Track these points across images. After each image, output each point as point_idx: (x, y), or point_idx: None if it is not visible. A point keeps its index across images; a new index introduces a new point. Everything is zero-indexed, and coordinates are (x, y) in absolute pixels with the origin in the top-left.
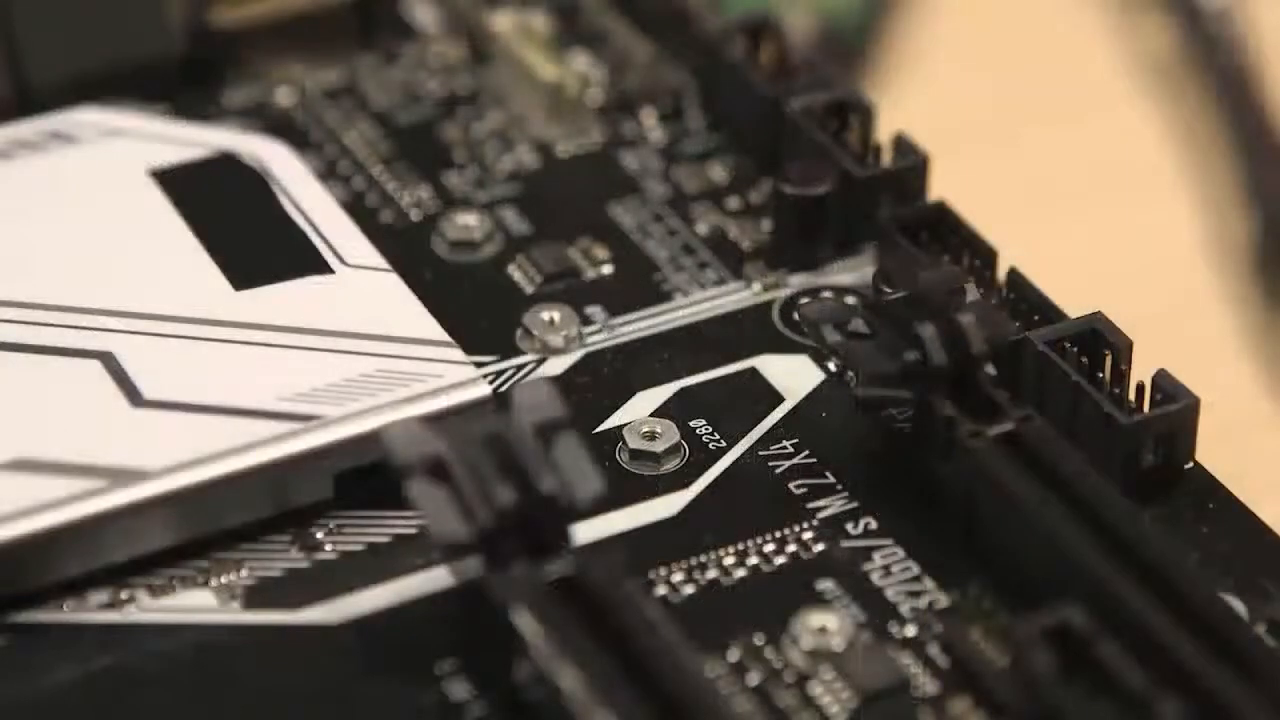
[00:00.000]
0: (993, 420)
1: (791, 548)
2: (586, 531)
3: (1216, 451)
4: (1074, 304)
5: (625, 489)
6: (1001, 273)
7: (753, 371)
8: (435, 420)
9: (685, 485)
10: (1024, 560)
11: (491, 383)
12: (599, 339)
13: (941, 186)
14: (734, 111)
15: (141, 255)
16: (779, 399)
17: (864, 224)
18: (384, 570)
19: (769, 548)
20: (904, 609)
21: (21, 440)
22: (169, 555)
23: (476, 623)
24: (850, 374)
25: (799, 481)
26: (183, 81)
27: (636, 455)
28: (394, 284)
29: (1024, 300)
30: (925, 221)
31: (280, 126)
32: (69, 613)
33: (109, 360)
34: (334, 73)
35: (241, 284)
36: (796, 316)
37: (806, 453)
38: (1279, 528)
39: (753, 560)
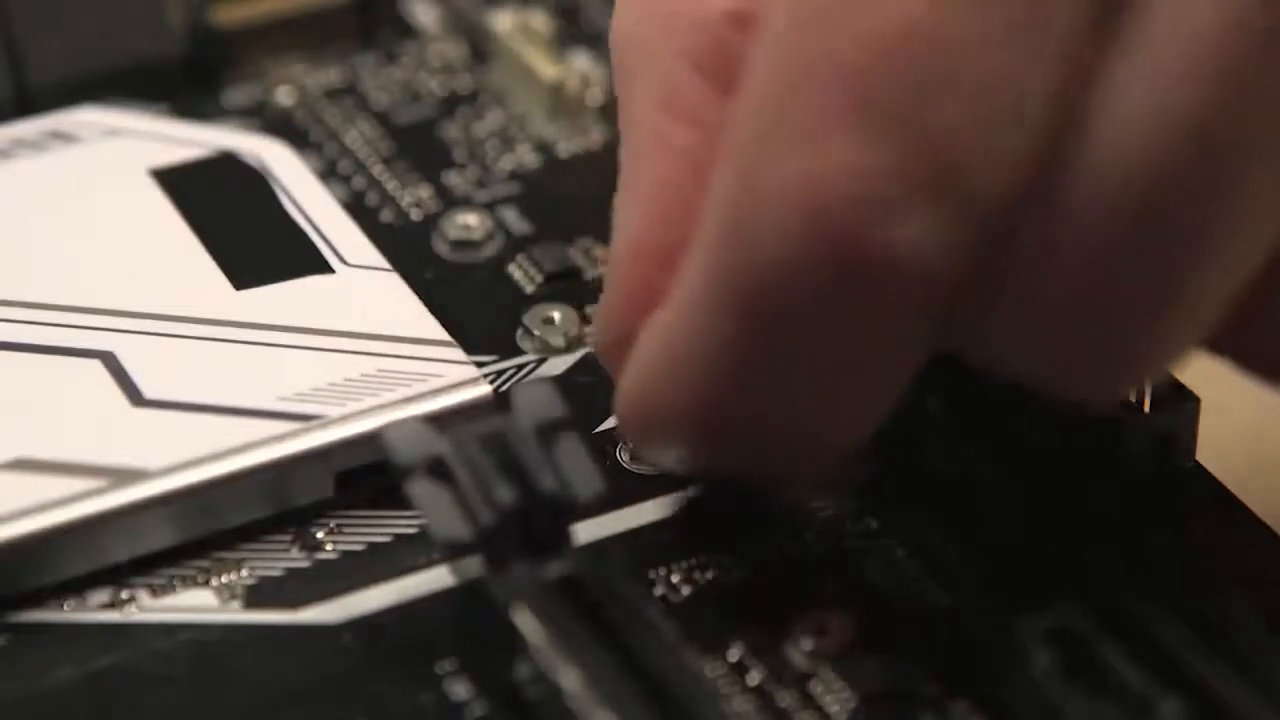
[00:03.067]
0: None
1: (791, 548)
2: (586, 531)
3: (1217, 451)
4: None
5: (625, 489)
6: None
7: None
8: (435, 420)
9: (685, 485)
10: None
11: (492, 383)
12: None
13: None
14: None
15: (142, 255)
16: None
17: None
18: (384, 570)
19: (769, 547)
20: (904, 609)
21: (22, 440)
22: (169, 555)
23: (476, 623)
24: None
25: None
26: (183, 81)
27: (637, 455)
28: (394, 284)
29: None
30: None
31: (280, 126)
32: (69, 613)
33: (109, 360)
34: (334, 73)
35: (242, 284)
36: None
37: None
38: (1279, 528)
39: (753, 560)
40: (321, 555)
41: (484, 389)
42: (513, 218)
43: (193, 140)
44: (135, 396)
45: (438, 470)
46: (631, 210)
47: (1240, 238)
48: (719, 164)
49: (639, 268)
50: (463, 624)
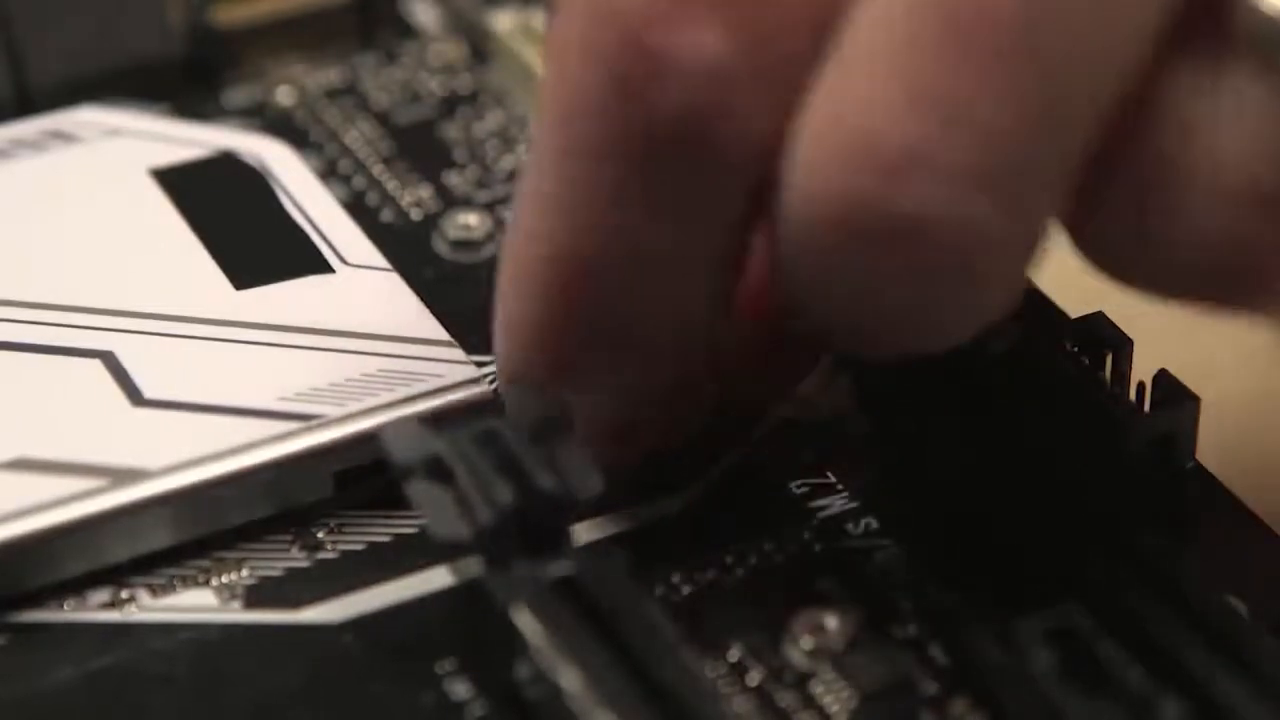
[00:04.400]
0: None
1: (791, 548)
2: (586, 531)
3: (1216, 451)
4: (1074, 304)
5: (625, 489)
6: None
7: None
8: (435, 420)
9: (685, 485)
10: None
11: (492, 382)
12: None
13: None
14: None
15: (142, 255)
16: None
17: None
18: (384, 570)
19: (769, 547)
20: (904, 609)
21: (22, 440)
22: (169, 555)
23: (476, 623)
24: None
25: (799, 481)
26: (183, 81)
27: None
28: (394, 283)
29: (1024, 300)
30: None
31: (280, 126)
32: (69, 612)
33: (110, 360)
34: (334, 73)
35: (242, 284)
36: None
37: (806, 452)
38: (1279, 528)
39: (753, 560)
40: (321, 555)
41: (484, 389)
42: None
43: (193, 140)
44: (135, 396)
45: (437, 470)
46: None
47: (1063, 72)
48: None
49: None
50: (463, 624)
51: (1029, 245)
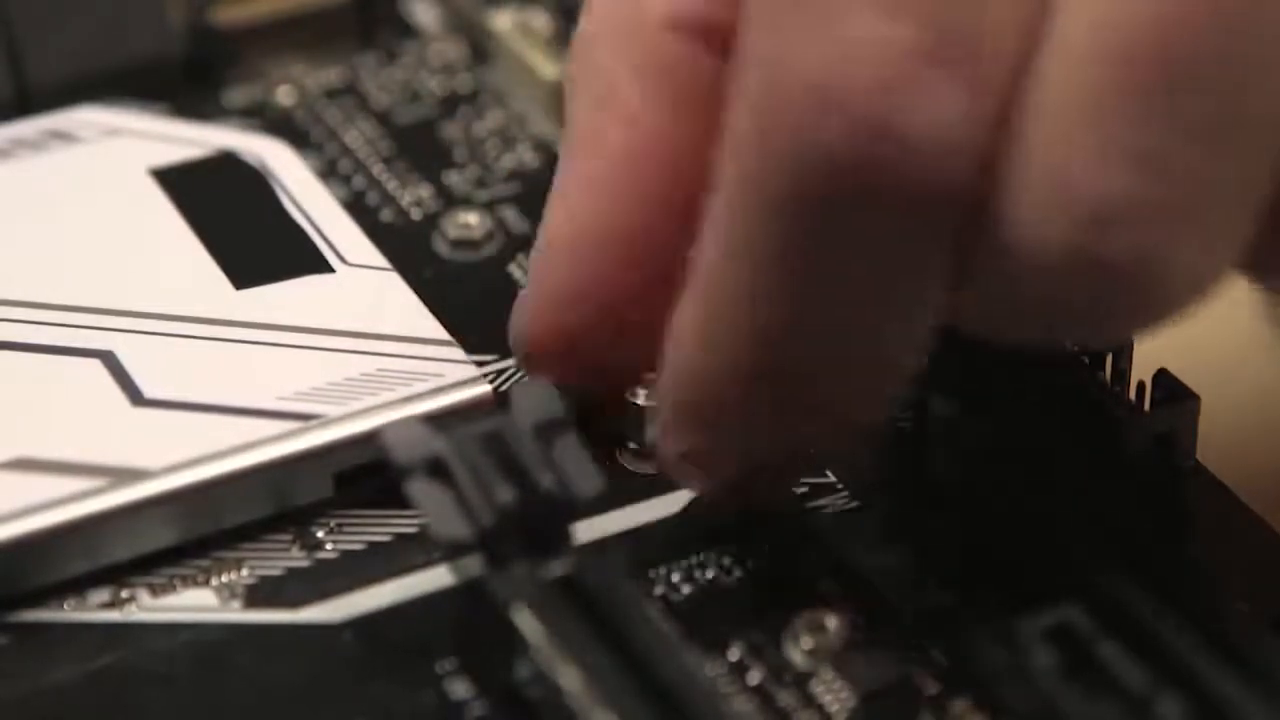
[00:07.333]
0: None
1: (792, 548)
2: (586, 531)
3: (1216, 451)
4: None
5: (625, 489)
6: None
7: None
8: (435, 419)
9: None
10: None
11: (492, 382)
12: None
13: None
14: None
15: (142, 254)
16: None
17: None
18: (384, 569)
19: (769, 547)
20: (904, 609)
21: (22, 440)
22: (170, 554)
23: (476, 622)
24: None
25: (799, 481)
26: (183, 81)
27: (637, 455)
28: (394, 283)
29: None
30: None
31: (280, 126)
32: (70, 612)
33: (110, 359)
34: (334, 72)
35: (242, 283)
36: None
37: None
38: (1279, 527)
39: (753, 560)
40: (321, 555)
41: (484, 389)
42: (513, 217)
43: (193, 140)
44: (135, 396)
45: (437, 470)
46: (556, 207)
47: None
48: (730, 87)
49: (567, 262)
50: (463, 624)
51: (1224, 264)
